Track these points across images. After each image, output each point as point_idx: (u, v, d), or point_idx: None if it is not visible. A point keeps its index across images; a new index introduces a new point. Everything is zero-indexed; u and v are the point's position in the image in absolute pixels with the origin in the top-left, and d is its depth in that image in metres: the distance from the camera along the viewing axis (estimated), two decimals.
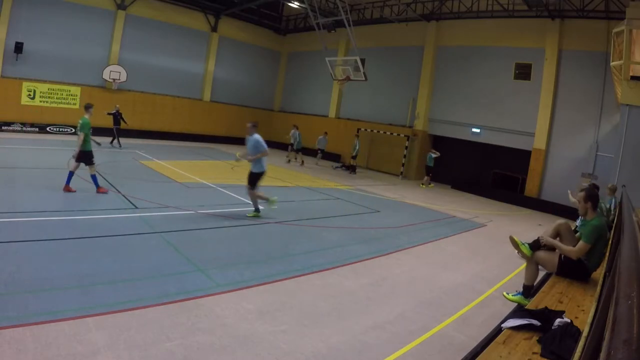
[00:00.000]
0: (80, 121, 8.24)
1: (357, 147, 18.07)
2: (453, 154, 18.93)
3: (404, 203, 12.21)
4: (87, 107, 8.61)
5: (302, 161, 18.39)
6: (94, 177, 8.15)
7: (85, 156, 8.08)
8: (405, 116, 19.57)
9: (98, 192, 8.09)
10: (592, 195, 3.88)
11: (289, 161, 18.42)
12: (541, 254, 4.06)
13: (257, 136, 7.76)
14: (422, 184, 16.87)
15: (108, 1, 18.69)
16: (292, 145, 18.54)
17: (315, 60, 22.47)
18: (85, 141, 8.11)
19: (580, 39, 14.49)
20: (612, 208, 7.72)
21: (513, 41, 16.19)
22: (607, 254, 4.16)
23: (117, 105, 16.24)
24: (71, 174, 8.06)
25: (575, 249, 3.81)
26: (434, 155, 16.57)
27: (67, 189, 7.94)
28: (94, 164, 8.17)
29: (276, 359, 3.32)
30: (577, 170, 14.31)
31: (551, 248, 4.02)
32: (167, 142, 19.63)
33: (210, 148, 20.26)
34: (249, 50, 24.46)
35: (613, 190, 8.42)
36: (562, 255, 3.93)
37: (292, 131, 18.50)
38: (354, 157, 18.06)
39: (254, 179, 7.73)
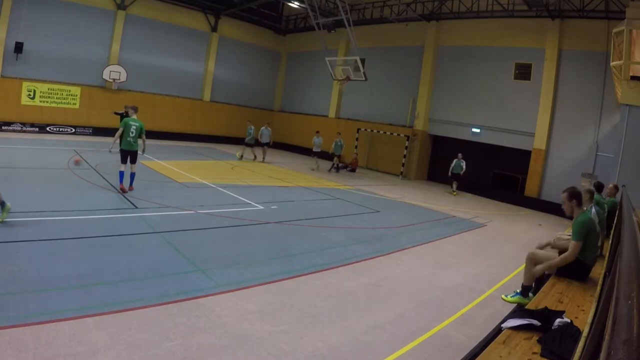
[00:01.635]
0: (137, 124, 8.51)
1: (339, 145, 17.37)
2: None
3: (404, 203, 12.21)
4: (135, 109, 8.84)
5: (255, 156, 17.21)
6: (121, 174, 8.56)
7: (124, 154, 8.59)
8: (405, 116, 19.57)
9: (120, 188, 8.43)
10: (574, 193, 3.97)
11: (241, 157, 16.96)
12: (540, 254, 4.10)
13: None
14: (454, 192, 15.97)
15: (108, 1, 18.69)
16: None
17: (315, 60, 22.48)
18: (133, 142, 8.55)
19: (580, 39, 14.50)
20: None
21: (513, 41, 16.19)
22: (607, 254, 4.17)
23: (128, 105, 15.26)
24: (132, 174, 8.65)
25: (568, 253, 3.88)
26: (462, 164, 15.46)
27: (130, 188, 8.54)
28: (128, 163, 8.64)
29: (276, 359, 3.32)
30: (577, 170, 14.31)
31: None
32: (167, 142, 19.62)
33: (210, 148, 20.27)
34: (249, 50, 24.46)
35: (613, 190, 7.74)
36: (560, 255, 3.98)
37: (248, 127, 17.39)
38: (338, 156, 17.52)
39: None
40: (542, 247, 4.33)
